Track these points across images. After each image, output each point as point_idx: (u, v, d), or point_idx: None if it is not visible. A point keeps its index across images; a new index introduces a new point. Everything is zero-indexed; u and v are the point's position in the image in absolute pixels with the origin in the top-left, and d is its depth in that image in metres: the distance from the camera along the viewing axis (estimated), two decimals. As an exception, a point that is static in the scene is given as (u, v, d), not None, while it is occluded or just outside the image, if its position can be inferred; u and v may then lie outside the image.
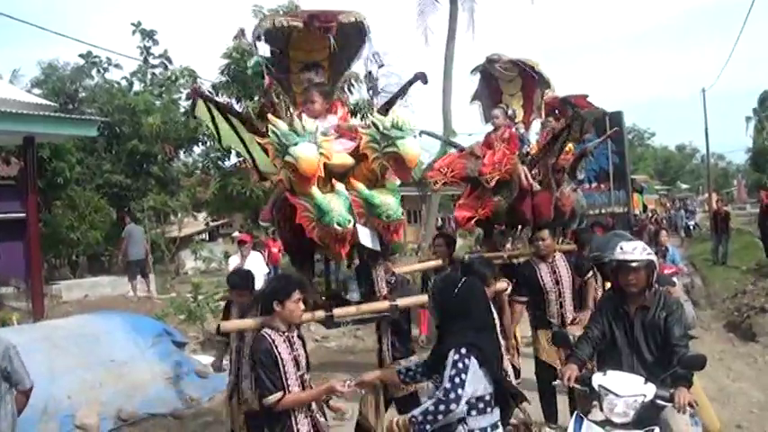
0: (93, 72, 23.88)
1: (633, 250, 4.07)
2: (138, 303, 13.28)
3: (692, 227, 33.16)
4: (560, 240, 7.86)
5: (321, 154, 4.08)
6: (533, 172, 7.14)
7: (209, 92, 17.29)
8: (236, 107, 13.37)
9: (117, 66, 24.10)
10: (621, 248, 4.10)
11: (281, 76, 5.01)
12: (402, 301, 4.84)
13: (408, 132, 4.16)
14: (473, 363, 3.49)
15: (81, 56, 23.29)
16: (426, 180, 6.89)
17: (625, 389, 3.75)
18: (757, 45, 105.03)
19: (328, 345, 11.07)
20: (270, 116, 4.30)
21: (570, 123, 7.77)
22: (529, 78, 7.55)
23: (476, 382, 3.50)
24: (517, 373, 6.91)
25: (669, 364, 3.89)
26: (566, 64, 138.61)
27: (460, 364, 3.48)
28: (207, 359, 8.66)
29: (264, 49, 4.95)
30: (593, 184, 16.07)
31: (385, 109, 4.95)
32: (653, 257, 4.11)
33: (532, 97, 7.77)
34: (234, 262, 10.22)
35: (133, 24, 24.18)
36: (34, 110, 11.38)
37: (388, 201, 4.25)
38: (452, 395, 3.44)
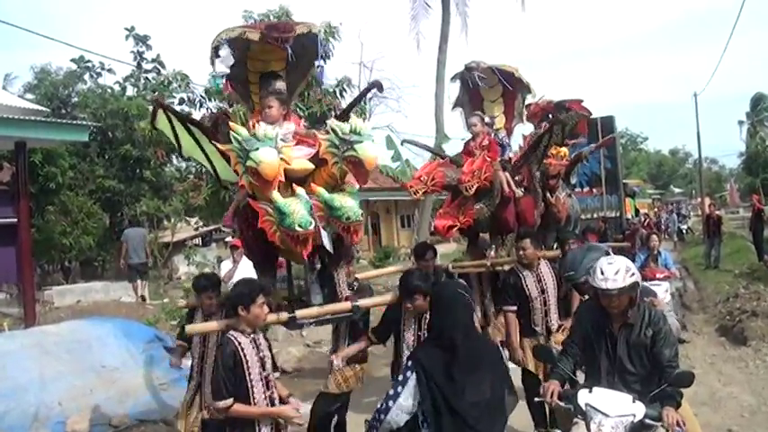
0: (86, 77, 23.84)
1: (615, 275, 3.71)
2: (130, 309, 13.23)
3: (684, 231, 33.28)
4: (554, 247, 7.88)
5: (282, 159, 4.25)
6: (516, 178, 7.13)
7: (202, 96, 17.33)
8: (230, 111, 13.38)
9: (110, 70, 24.08)
10: (602, 273, 3.74)
11: (240, 85, 5.17)
12: (363, 302, 4.95)
13: (366, 137, 4.27)
14: (413, 377, 3.56)
15: (73, 60, 23.25)
16: (408, 189, 6.82)
17: (614, 408, 3.63)
18: (748, 50, 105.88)
19: (320, 350, 11.05)
20: (230, 123, 4.45)
21: (551, 127, 7.79)
22: (509, 84, 7.56)
23: (413, 397, 3.55)
24: None
25: (653, 383, 3.76)
26: (558, 69, 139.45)
27: (401, 377, 3.58)
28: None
29: (227, 58, 4.98)
30: (586, 189, 16.12)
31: (343, 116, 5.23)
32: (636, 278, 3.78)
33: (513, 103, 7.76)
34: (226, 267, 10.17)
35: (126, 29, 24.15)
36: (26, 115, 11.35)
37: (347, 203, 4.28)
38: (384, 405, 3.58)
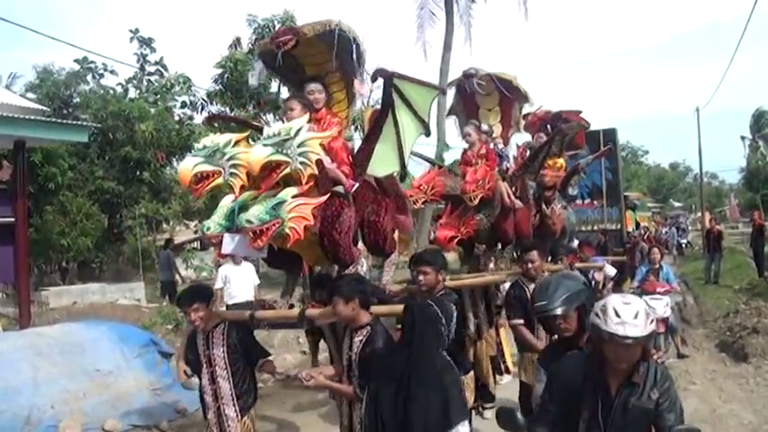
0: (89, 77, 23.80)
1: (635, 319, 2.84)
2: (126, 311, 13.17)
3: (684, 245, 33.23)
4: (548, 259, 7.80)
5: (235, 165, 4.31)
6: (512, 189, 7.08)
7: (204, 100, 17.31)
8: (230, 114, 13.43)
9: (112, 72, 23.99)
10: (618, 316, 2.84)
11: (296, 90, 5.33)
12: (311, 312, 4.79)
13: (265, 140, 4.33)
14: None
15: (77, 61, 23.19)
16: (407, 198, 6.70)
17: None
18: (752, 66, 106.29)
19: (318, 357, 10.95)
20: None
21: (552, 138, 7.74)
22: (507, 93, 7.48)
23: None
24: (491, 397, 6.77)
25: None
26: (560, 80, 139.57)
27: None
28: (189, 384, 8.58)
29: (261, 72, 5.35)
30: (587, 201, 16.14)
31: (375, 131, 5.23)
32: (654, 326, 2.96)
33: (510, 112, 7.71)
34: (224, 271, 10.10)
35: (131, 31, 24.11)
36: (26, 114, 11.29)
37: (254, 207, 4.23)
38: None
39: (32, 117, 11.24)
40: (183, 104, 17.31)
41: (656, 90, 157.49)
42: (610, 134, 16.22)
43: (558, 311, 3.36)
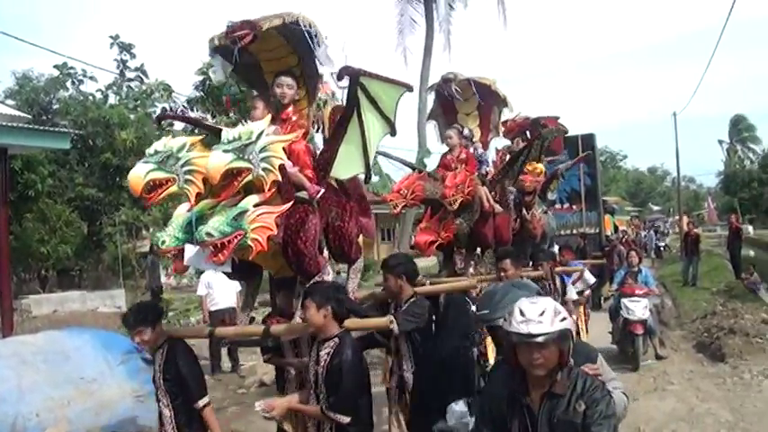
0: (68, 84, 23.68)
1: (540, 316, 2.65)
2: (107, 319, 13.11)
3: (662, 248, 33.61)
4: (529, 264, 7.90)
5: (191, 171, 3.95)
6: (492, 193, 7.11)
7: (184, 107, 17.23)
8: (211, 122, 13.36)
9: (92, 78, 23.94)
10: (523, 315, 2.67)
11: (263, 89, 4.97)
12: (277, 328, 4.41)
13: (224, 146, 3.91)
14: None
15: (57, 67, 23.09)
16: (387, 202, 6.68)
17: None
18: (727, 72, 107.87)
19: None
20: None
21: (531, 143, 7.79)
22: (485, 97, 7.53)
23: None
24: None
25: None
26: (539, 86, 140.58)
27: None
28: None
29: (221, 67, 4.83)
30: (566, 205, 16.34)
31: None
32: (569, 325, 2.72)
33: (489, 116, 7.73)
34: (206, 278, 10.09)
35: (111, 37, 24.07)
36: (6, 121, 11.23)
37: (213, 219, 3.84)
38: None
39: (14, 124, 11.18)
40: (164, 111, 17.23)
41: (635, 96, 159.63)
42: (588, 139, 16.43)
43: (500, 322, 2.94)
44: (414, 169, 7.56)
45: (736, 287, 16.44)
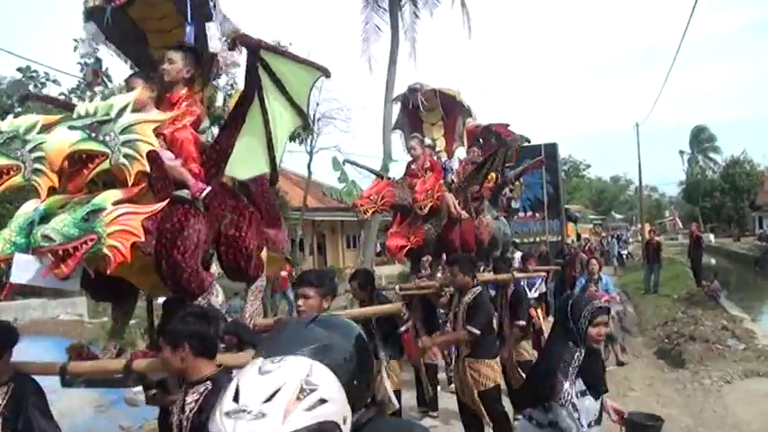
0: (31, 87, 23.25)
1: (265, 403, 1.30)
2: (68, 327, 12.88)
3: (624, 256, 34.06)
4: (490, 270, 7.98)
5: (41, 158, 3.02)
6: (456, 201, 7.22)
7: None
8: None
9: (55, 81, 23.49)
10: (237, 396, 1.34)
11: (146, 66, 4.23)
12: (140, 364, 3.50)
13: (72, 121, 3.14)
14: None
15: (20, 70, 22.67)
16: (357, 208, 6.64)
17: None
18: (686, 85, 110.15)
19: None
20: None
21: (496, 152, 7.90)
22: (450, 107, 7.63)
23: None
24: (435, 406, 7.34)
25: None
26: (503, 96, 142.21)
27: None
28: (137, 387, 8.45)
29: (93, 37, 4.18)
30: (528, 213, 16.54)
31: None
32: (327, 414, 1.34)
33: (454, 126, 7.86)
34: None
35: (75, 40, 23.67)
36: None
37: (57, 218, 3.00)
38: None
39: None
40: (28, 91, 16.95)
41: (598, 106, 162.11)
42: (551, 148, 16.66)
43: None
44: (381, 177, 7.60)
45: (697, 294, 16.67)
